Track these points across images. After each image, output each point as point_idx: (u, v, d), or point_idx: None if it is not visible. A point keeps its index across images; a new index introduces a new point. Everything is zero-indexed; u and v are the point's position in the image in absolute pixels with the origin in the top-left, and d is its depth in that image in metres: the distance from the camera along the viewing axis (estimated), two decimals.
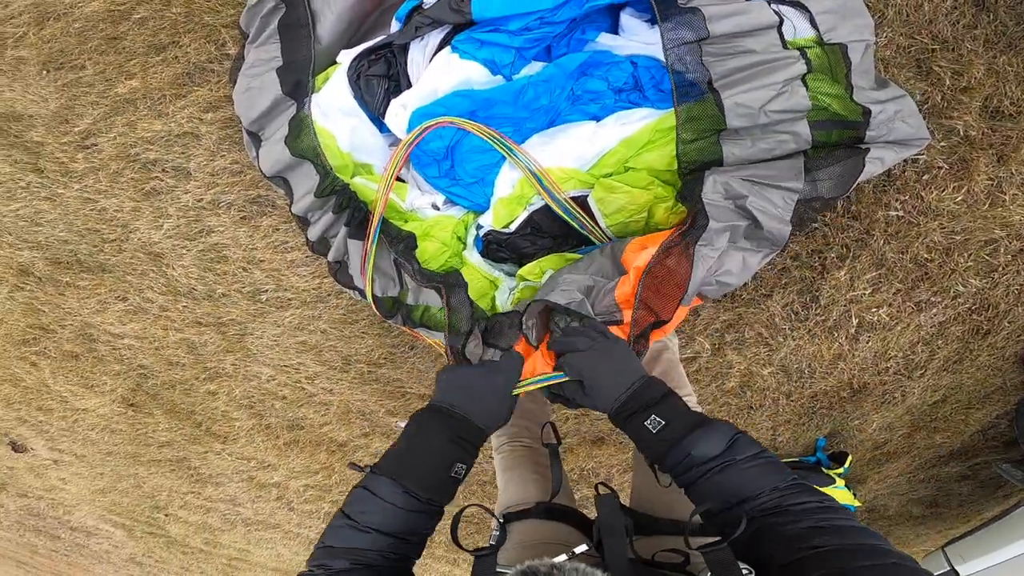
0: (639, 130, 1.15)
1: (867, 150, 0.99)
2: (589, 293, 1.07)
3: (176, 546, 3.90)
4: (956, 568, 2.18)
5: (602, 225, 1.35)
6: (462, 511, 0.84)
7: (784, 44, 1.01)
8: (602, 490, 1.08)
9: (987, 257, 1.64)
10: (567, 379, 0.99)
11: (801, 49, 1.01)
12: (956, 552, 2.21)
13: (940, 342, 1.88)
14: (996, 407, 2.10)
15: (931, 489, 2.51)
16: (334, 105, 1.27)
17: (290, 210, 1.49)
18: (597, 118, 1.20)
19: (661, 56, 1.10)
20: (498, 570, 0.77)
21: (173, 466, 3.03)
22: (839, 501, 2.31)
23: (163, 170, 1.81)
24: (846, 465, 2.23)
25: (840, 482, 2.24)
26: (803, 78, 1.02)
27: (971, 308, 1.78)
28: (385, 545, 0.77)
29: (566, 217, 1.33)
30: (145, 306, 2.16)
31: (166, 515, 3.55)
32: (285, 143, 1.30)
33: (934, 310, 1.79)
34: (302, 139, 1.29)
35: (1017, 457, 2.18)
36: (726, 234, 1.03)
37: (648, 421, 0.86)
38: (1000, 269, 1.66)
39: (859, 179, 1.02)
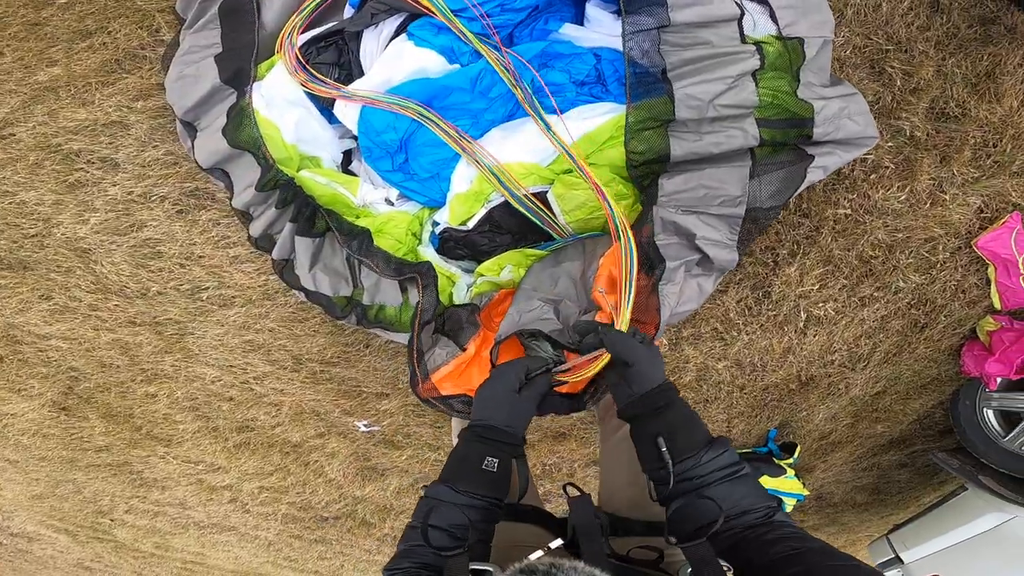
0: (601, 126, 1.12)
1: (811, 158, 1.00)
2: (558, 315, 1.12)
3: (126, 550, 3.75)
4: (900, 555, 2.28)
5: (562, 221, 1.33)
6: (429, 513, 0.84)
7: (743, 38, 1.00)
8: (571, 491, 1.09)
9: (927, 254, 1.71)
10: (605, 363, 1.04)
11: (758, 44, 1.00)
12: (899, 539, 2.32)
13: (881, 335, 1.96)
14: (932, 397, 2.21)
15: (873, 477, 2.64)
16: (279, 94, 1.19)
17: (230, 204, 1.40)
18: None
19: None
20: (473, 567, 0.77)
21: (113, 470, 2.87)
22: (789, 490, 2.37)
23: (88, 161, 1.67)
24: (795, 455, 2.31)
25: (790, 472, 2.31)
26: (755, 74, 1.01)
27: (910, 303, 1.86)
28: (443, 542, 0.81)
29: (527, 214, 1.30)
30: (72, 305, 2.00)
31: (111, 520, 3.39)
32: (223, 133, 1.21)
33: (876, 305, 1.86)
34: (242, 130, 1.21)
35: (951, 446, 2.30)
36: (681, 268, 1.08)
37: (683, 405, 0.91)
38: (938, 266, 1.73)
39: (801, 187, 1.04)
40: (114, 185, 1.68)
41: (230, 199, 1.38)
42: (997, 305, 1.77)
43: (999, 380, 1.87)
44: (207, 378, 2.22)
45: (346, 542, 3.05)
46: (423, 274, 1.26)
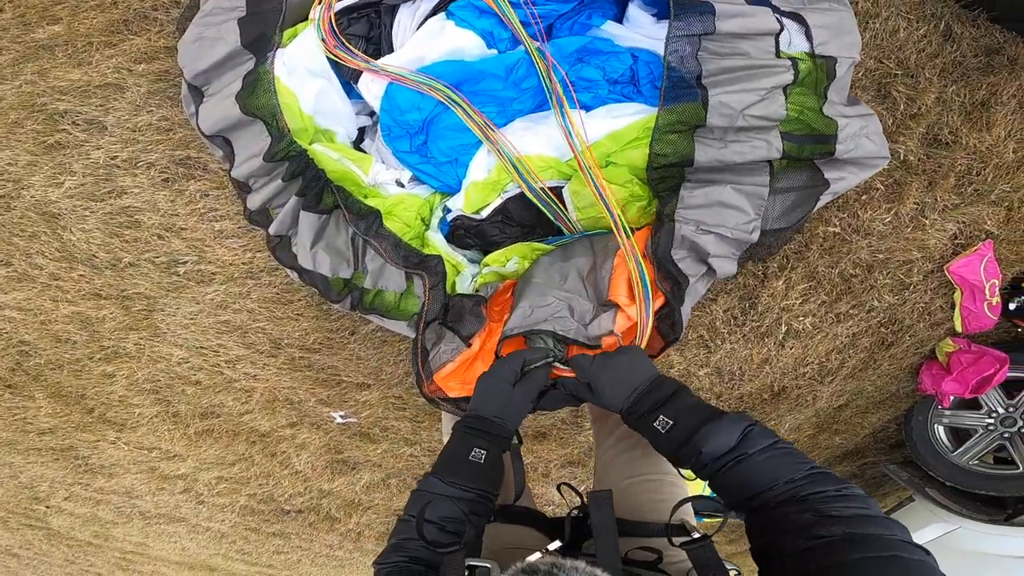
0: (628, 125, 1.14)
1: (826, 184, 1.05)
2: (572, 313, 1.12)
3: (59, 538, 3.57)
4: None
5: (573, 218, 1.34)
6: (424, 508, 0.83)
7: (778, 52, 1.03)
8: (566, 491, 1.09)
9: (902, 276, 1.81)
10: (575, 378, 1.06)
11: (793, 60, 1.04)
12: None
13: (851, 351, 2.06)
14: (888, 412, 2.34)
15: None
16: (302, 63, 1.14)
17: (229, 174, 1.34)
18: (587, 107, 1.17)
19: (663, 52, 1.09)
20: (471, 563, 0.76)
21: (56, 455, 2.69)
22: None
23: (73, 123, 1.56)
24: None
25: None
26: (786, 88, 1.05)
27: (881, 322, 1.96)
28: (435, 536, 0.81)
29: (541, 207, 1.29)
30: (32, 273, 1.86)
31: (47, 507, 3.22)
32: (236, 99, 1.16)
33: (850, 322, 1.95)
34: (258, 96, 1.15)
35: (901, 459, 2.44)
36: (699, 283, 1.14)
37: (656, 422, 0.86)
38: (911, 288, 1.84)
39: (812, 210, 1.09)
40: (98, 149, 1.58)
41: (229, 169, 1.32)
42: (958, 328, 1.90)
43: (952, 398, 2.00)
44: (173, 359, 2.11)
45: (306, 536, 2.96)
46: (431, 271, 1.23)
